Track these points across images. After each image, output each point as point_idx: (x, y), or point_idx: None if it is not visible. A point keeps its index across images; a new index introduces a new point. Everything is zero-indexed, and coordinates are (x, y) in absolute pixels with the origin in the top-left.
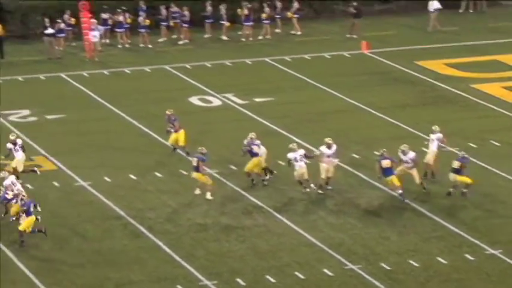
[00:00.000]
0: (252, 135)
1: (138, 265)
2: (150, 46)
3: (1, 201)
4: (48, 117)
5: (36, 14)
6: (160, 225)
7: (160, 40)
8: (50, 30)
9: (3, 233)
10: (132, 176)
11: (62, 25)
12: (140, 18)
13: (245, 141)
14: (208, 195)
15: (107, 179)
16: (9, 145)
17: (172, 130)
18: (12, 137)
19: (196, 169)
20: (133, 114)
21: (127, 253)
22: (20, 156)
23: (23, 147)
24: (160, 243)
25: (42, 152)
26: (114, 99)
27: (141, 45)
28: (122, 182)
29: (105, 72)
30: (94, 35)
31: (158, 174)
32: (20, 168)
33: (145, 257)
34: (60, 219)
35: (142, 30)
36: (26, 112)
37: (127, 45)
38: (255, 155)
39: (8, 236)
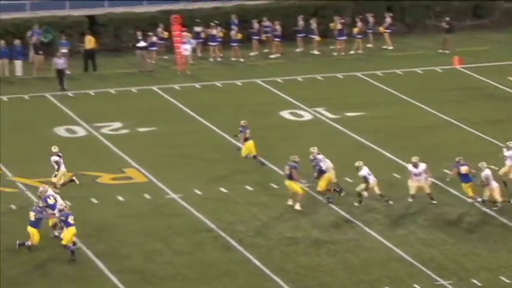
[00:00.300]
0: (314, 149)
1: (228, 278)
2: (241, 60)
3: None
4: (140, 129)
5: (128, 28)
6: (250, 238)
7: (252, 54)
8: (142, 44)
9: (91, 243)
10: (222, 189)
11: (154, 38)
12: (232, 32)
13: (311, 157)
14: (298, 206)
15: (197, 191)
16: (55, 157)
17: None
18: (54, 150)
19: (289, 177)
20: (224, 128)
21: (217, 266)
22: (63, 168)
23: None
24: (251, 257)
25: (134, 164)
26: (205, 113)
27: (233, 59)
28: (212, 195)
29: (197, 85)
30: (186, 49)
31: (248, 188)
32: (61, 181)
33: (235, 270)
34: (151, 231)
35: (234, 44)
36: (118, 125)
37: (219, 59)
38: (324, 172)
39: (96, 246)
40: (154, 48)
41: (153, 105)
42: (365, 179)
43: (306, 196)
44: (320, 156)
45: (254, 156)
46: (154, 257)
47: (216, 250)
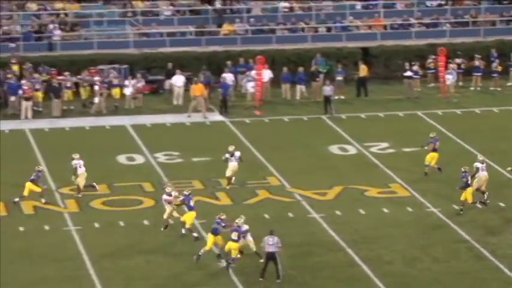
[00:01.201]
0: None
1: (479, 285)
2: (499, 89)
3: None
4: (405, 149)
5: (397, 58)
6: (502, 250)
7: (509, 84)
8: (409, 73)
9: (358, 249)
10: (455, 206)
11: (420, 68)
12: (494, 64)
13: (462, 169)
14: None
15: (455, 206)
16: (75, 161)
17: (426, 147)
18: (75, 156)
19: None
20: (482, 150)
21: (471, 274)
22: (82, 170)
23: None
24: (502, 266)
25: (398, 180)
26: (464, 136)
27: (491, 88)
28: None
29: (458, 111)
30: (449, 78)
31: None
32: (82, 184)
33: (488, 278)
34: (411, 240)
35: (495, 75)
36: (385, 144)
37: (478, 88)
38: (469, 185)
39: (362, 252)
40: (418, 77)
41: (417, 128)
42: None
43: None
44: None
45: (438, 168)
46: (414, 263)
47: (471, 259)
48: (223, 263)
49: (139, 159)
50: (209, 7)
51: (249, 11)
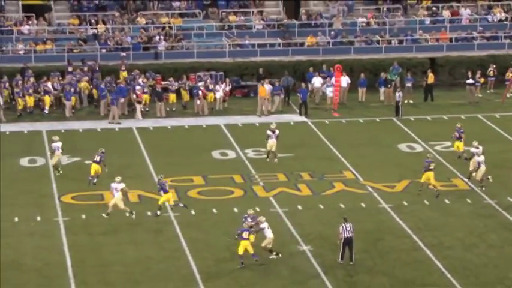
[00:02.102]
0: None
1: None
2: None
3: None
4: (465, 148)
5: (461, 68)
6: None
7: None
8: (471, 81)
9: (423, 236)
10: None
11: (482, 77)
12: None
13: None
14: None
15: (509, 199)
16: (54, 144)
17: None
18: (55, 139)
19: None
20: None
21: None
22: (58, 152)
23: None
24: None
25: (459, 175)
26: None
27: None
28: None
29: None
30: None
31: None
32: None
33: None
34: (470, 228)
35: None
36: (448, 143)
37: None
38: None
39: (426, 239)
40: (479, 85)
41: (477, 130)
42: None
43: None
44: None
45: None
46: (472, 248)
47: None
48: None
49: (231, 155)
50: (295, 21)
51: (330, 25)
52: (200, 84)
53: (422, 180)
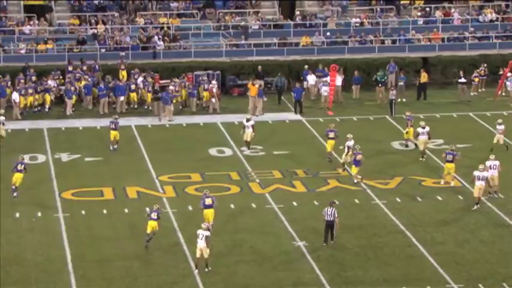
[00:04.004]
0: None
1: None
2: None
3: None
4: (458, 146)
5: (453, 67)
6: None
7: None
8: (463, 80)
9: (415, 232)
10: None
11: (473, 75)
12: None
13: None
14: None
15: (501, 195)
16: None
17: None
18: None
19: None
20: None
21: None
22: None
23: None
24: None
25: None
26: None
27: None
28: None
29: (505, 113)
30: (508, 85)
31: None
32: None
33: None
34: (462, 224)
35: None
36: (440, 141)
37: None
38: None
39: (419, 234)
40: (475, 83)
41: (468, 128)
42: None
43: None
44: None
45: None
46: (464, 244)
47: None
48: (300, 243)
49: (228, 152)
50: (290, 22)
51: (324, 25)
52: (214, 83)
53: (445, 172)
